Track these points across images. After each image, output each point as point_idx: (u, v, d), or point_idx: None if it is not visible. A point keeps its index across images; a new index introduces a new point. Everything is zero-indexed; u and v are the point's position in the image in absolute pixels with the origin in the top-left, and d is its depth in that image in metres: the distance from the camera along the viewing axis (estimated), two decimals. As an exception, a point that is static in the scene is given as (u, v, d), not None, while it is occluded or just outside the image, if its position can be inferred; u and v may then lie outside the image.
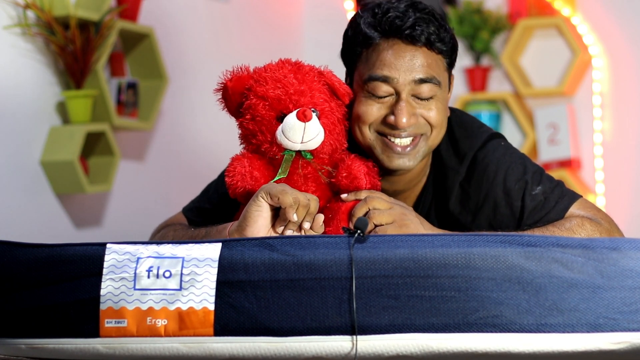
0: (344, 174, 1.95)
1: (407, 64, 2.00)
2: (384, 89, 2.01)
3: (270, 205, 1.84)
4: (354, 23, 2.08)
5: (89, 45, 3.10)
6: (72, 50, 3.08)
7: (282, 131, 1.91)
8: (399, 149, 2.03)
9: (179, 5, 3.74)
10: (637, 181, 4.05)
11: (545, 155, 4.09)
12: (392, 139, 2.03)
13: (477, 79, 4.19)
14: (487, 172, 2.08)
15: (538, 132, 4.12)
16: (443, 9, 4.16)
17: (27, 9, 3.01)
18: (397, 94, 2.01)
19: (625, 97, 4.08)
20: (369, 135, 2.04)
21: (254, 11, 4.13)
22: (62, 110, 3.18)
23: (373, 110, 2.03)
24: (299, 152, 1.94)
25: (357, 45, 2.05)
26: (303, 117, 1.90)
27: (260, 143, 1.95)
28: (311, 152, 1.94)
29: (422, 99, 2.02)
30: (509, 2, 4.18)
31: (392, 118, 2.01)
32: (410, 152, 2.04)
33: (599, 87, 4.10)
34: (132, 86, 3.34)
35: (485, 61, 4.22)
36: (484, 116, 4.16)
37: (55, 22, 3.03)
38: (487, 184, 2.08)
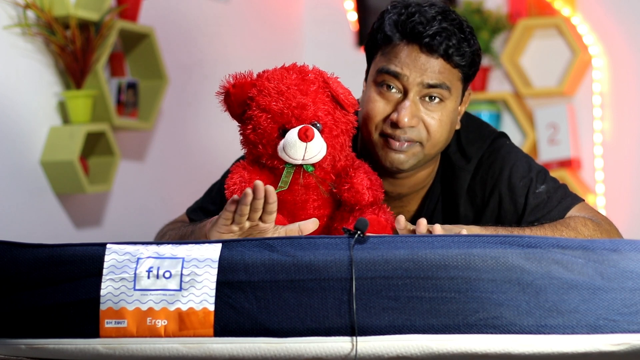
0: (346, 187, 1.95)
1: (420, 67, 2.01)
2: (393, 83, 2.03)
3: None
4: (381, 16, 2.09)
5: (89, 45, 3.10)
6: (72, 50, 3.08)
7: (283, 148, 1.89)
8: (397, 145, 2.03)
9: (179, 5, 3.74)
10: (637, 181, 4.05)
11: (545, 155, 4.09)
12: (391, 140, 2.03)
13: (477, 79, 4.19)
14: (493, 169, 2.10)
15: (538, 132, 4.12)
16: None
17: (27, 9, 3.01)
18: (405, 92, 2.03)
19: (625, 97, 4.08)
20: (373, 134, 2.05)
21: (254, 11, 4.13)
22: (62, 110, 3.18)
23: (380, 107, 2.04)
24: (300, 164, 1.93)
25: (377, 39, 2.07)
26: (305, 138, 1.87)
27: (260, 154, 1.94)
28: (313, 164, 1.93)
29: (428, 103, 2.03)
30: (509, 2, 4.18)
31: (394, 115, 2.02)
32: (405, 150, 2.04)
33: (599, 87, 4.10)
34: (132, 86, 3.34)
35: (485, 61, 4.22)
36: (484, 116, 4.16)
37: (55, 22, 3.03)
38: (492, 180, 2.10)
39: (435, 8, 2.04)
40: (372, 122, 2.05)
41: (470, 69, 2.07)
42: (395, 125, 2.02)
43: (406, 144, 2.03)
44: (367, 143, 2.07)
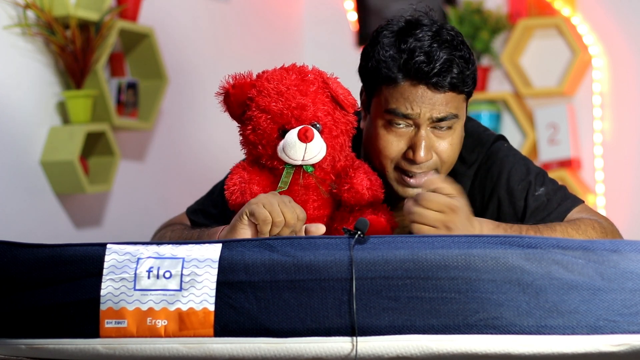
0: (346, 187, 1.95)
1: (428, 102, 1.99)
2: (403, 120, 2.01)
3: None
4: (376, 51, 2.02)
5: (89, 45, 3.10)
6: (72, 50, 3.08)
7: (283, 148, 1.90)
8: (413, 182, 2.04)
9: (179, 5, 3.74)
10: (637, 181, 4.05)
11: (545, 155, 4.09)
12: (407, 179, 2.03)
13: (477, 79, 4.19)
14: (491, 172, 2.10)
15: (538, 132, 4.12)
16: (443, 10, 4.16)
17: (27, 9, 3.02)
18: (416, 126, 2.01)
19: (625, 97, 4.08)
20: (389, 169, 2.04)
21: (254, 11, 4.13)
22: (62, 110, 3.18)
23: (393, 145, 2.02)
24: (299, 165, 1.93)
25: (378, 78, 2.02)
26: (304, 138, 1.87)
27: (260, 155, 1.94)
28: (312, 165, 1.93)
29: (439, 131, 2.02)
30: (509, 2, 4.19)
31: (410, 153, 2.01)
32: (422, 184, 2.02)
33: (599, 87, 4.10)
34: (132, 86, 3.34)
35: (485, 61, 4.22)
36: (484, 116, 4.16)
37: (55, 22, 3.03)
38: (491, 184, 2.10)
39: (427, 30, 1.99)
40: (386, 159, 2.03)
41: (473, 87, 2.06)
42: (412, 161, 2.02)
43: (424, 178, 2.02)
44: (380, 173, 2.05)
